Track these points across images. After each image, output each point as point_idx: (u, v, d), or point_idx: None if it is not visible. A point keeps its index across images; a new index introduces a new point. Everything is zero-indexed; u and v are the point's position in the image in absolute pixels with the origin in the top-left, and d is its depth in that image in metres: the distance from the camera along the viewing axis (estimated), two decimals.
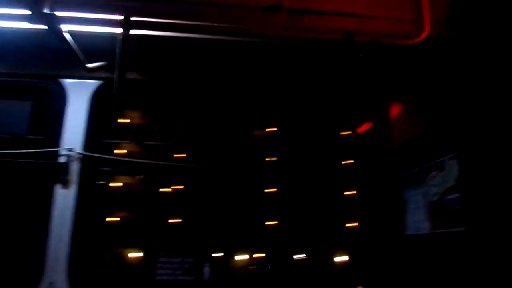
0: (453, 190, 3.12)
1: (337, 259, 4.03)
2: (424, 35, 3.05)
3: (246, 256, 3.91)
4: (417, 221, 3.55)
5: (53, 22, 2.72)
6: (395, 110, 4.07)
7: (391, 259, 3.80)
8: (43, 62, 3.76)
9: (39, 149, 3.70)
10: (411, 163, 3.69)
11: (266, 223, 4.02)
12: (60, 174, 3.62)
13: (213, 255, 3.86)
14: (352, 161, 4.20)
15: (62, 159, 3.66)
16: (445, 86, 3.28)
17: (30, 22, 2.87)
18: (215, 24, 2.87)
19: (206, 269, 3.79)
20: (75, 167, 3.65)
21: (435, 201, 3.33)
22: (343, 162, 4.20)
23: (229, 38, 3.01)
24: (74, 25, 2.87)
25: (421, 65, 3.39)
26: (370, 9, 3.07)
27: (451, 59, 3.14)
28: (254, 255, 3.93)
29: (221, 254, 3.88)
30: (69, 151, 3.67)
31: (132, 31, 2.90)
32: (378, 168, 4.07)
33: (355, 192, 4.18)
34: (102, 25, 2.92)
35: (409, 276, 3.59)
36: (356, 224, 4.10)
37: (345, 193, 4.20)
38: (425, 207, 3.46)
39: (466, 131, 3.06)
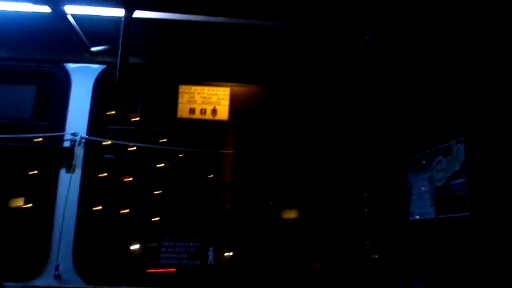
0: (458, 175, 3.09)
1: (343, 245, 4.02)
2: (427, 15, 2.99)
3: (251, 241, 3.92)
4: (422, 206, 3.53)
5: (56, 2, 2.69)
6: (400, 95, 4.03)
7: (396, 243, 3.80)
8: (46, 46, 3.75)
9: (43, 134, 3.71)
10: (416, 148, 3.67)
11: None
12: (64, 158, 3.63)
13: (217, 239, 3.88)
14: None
15: (66, 144, 3.66)
16: (451, 71, 3.24)
17: (33, 3, 2.85)
18: (220, 6, 2.83)
19: (211, 253, 3.81)
20: (79, 152, 3.66)
21: (440, 186, 3.31)
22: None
23: (235, 20, 2.98)
24: (77, 5, 2.83)
25: (428, 48, 3.34)
26: None
27: (458, 42, 3.10)
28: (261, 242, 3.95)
29: (227, 238, 3.90)
30: (73, 135, 3.67)
31: (137, 14, 2.87)
32: (384, 153, 4.05)
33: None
34: (105, 5, 2.89)
35: (414, 261, 3.59)
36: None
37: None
38: (430, 192, 3.44)
39: (472, 115, 3.02)
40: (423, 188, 3.54)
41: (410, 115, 3.86)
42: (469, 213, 2.94)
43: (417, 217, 3.61)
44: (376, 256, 3.93)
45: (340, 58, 3.52)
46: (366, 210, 4.08)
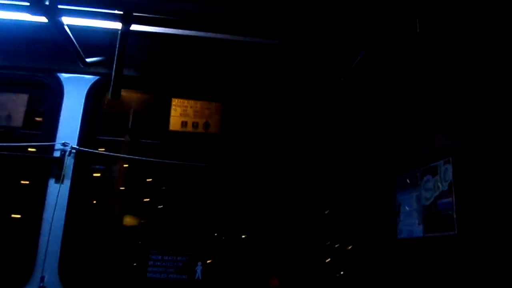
0: (446, 194, 3.14)
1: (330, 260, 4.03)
2: (419, 38, 3.08)
3: (240, 256, 3.90)
4: (410, 224, 3.57)
5: (53, 14, 2.70)
6: (390, 114, 4.10)
7: (383, 262, 3.82)
8: (40, 55, 3.75)
9: (34, 142, 3.69)
10: (404, 167, 3.72)
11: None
12: (54, 168, 3.60)
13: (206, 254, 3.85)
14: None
15: (56, 154, 3.64)
16: (440, 91, 3.32)
17: (30, 13, 2.86)
18: (216, 23, 2.87)
19: (199, 268, 3.78)
20: (69, 162, 3.63)
21: (428, 205, 3.36)
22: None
23: (229, 37, 3.03)
24: (74, 18, 2.86)
25: (417, 70, 3.42)
26: (367, 12, 3.09)
27: (447, 64, 3.18)
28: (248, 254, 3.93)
29: (215, 253, 3.88)
30: (64, 145, 3.65)
31: (132, 27, 2.90)
32: (372, 171, 4.10)
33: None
34: (103, 19, 2.92)
35: (402, 279, 3.61)
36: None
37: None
38: (418, 211, 3.49)
39: (460, 136, 3.09)
40: (411, 207, 3.58)
41: (399, 134, 3.92)
42: (455, 233, 2.98)
43: (405, 235, 3.64)
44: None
45: (332, 77, 3.58)
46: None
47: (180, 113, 4.08)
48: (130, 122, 4.09)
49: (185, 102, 4.09)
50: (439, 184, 3.23)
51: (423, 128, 3.56)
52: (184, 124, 4.08)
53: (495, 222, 2.83)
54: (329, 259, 4.05)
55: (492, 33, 3.06)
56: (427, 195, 3.38)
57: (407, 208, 3.66)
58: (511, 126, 2.98)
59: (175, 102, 4.08)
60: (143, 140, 4.07)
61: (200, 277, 3.77)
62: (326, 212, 4.17)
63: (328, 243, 4.11)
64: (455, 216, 3.01)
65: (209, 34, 3.00)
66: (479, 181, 2.93)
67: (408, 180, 3.67)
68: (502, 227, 2.82)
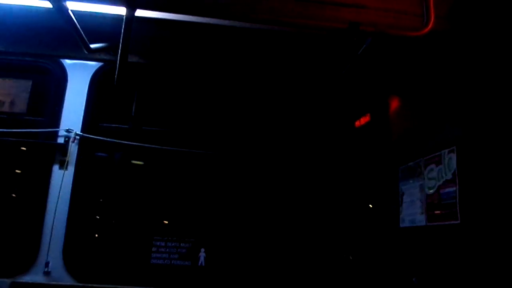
0: (449, 184, 3.15)
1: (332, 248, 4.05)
2: (428, 28, 3.06)
3: (243, 243, 3.92)
4: (413, 213, 3.58)
5: None
6: (394, 104, 4.09)
7: (386, 251, 3.84)
8: (43, 41, 3.73)
9: (38, 129, 3.69)
10: (408, 156, 3.72)
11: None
12: (57, 155, 3.61)
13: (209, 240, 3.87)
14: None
15: (60, 140, 3.65)
16: (445, 81, 3.30)
17: None
18: (223, 9, 2.84)
19: (202, 255, 3.81)
20: (73, 149, 3.64)
21: (431, 194, 3.36)
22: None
23: (234, 24, 3.00)
24: (79, 2, 2.83)
25: (423, 59, 3.40)
26: (376, 1, 3.07)
27: (452, 53, 3.16)
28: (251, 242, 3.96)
29: (218, 240, 3.90)
30: (68, 132, 3.65)
31: (138, 13, 2.87)
32: (376, 160, 4.10)
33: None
34: (107, 3, 2.89)
35: (403, 267, 3.63)
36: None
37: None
38: (421, 200, 3.49)
39: (464, 125, 3.08)
40: (414, 196, 3.58)
41: (403, 123, 3.92)
42: (459, 221, 2.99)
43: (408, 224, 3.65)
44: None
45: (338, 65, 3.56)
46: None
47: None
48: (133, 109, 4.07)
49: None
50: (443, 173, 3.23)
51: (427, 116, 3.55)
52: None
53: (498, 211, 2.84)
54: (332, 247, 4.07)
55: (497, 23, 3.03)
56: (430, 184, 3.38)
57: (410, 197, 3.66)
58: None
59: None
60: (146, 128, 4.06)
61: (203, 264, 3.79)
62: (329, 200, 4.18)
63: (332, 231, 4.12)
64: (458, 205, 3.02)
65: (214, 21, 2.97)
66: (483, 170, 2.93)
67: (411, 169, 3.67)
68: (505, 216, 2.83)
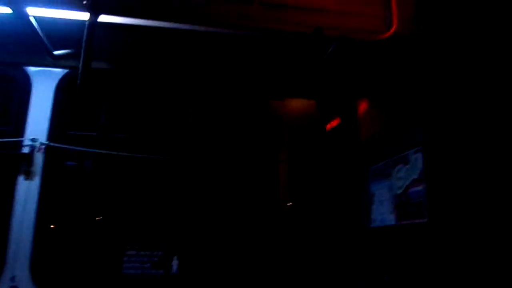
0: (417, 183, 3.21)
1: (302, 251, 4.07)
2: (391, 32, 3.13)
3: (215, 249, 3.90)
4: (383, 213, 3.64)
5: (18, 4, 2.62)
6: (363, 106, 4.16)
7: (357, 250, 3.88)
8: (6, 48, 3.61)
9: (1, 139, 3.58)
10: (378, 157, 3.78)
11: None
12: (23, 165, 3.51)
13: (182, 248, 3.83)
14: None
15: (25, 150, 3.55)
16: (410, 83, 3.38)
17: None
18: (188, 14, 2.83)
19: (175, 263, 3.76)
20: (38, 158, 3.55)
21: (399, 194, 3.42)
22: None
23: (200, 28, 3.00)
24: (40, 7, 2.77)
25: (388, 62, 3.47)
26: (340, 5, 3.12)
27: (416, 56, 3.24)
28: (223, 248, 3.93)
29: (191, 247, 3.86)
30: (33, 141, 3.56)
31: (101, 18, 2.83)
32: (347, 162, 4.16)
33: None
34: (69, 8, 2.84)
35: (375, 266, 3.68)
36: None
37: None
38: (390, 199, 3.55)
39: (430, 126, 3.16)
40: (384, 196, 3.64)
41: (372, 124, 3.98)
42: (426, 220, 3.05)
43: (379, 223, 3.71)
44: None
45: (303, 69, 3.59)
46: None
47: None
48: (102, 116, 4.00)
49: None
50: (410, 173, 3.30)
51: (395, 118, 3.62)
52: None
53: (464, 209, 2.92)
54: (304, 248, 4.09)
55: (462, 27, 3.13)
56: (399, 184, 3.44)
57: (380, 197, 3.72)
58: (480, 115, 3.07)
59: None
60: (116, 135, 3.99)
61: (176, 272, 3.74)
62: (301, 201, 4.20)
63: (303, 232, 4.14)
64: (425, 203, 3.09)
65: (181, 26, 2.96)
66: (448, 169, 3.01)
67: (381, 170, 3.73)
68: (471, 213, 2.91)
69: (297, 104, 4.30)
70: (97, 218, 3.80)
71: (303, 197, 4.24)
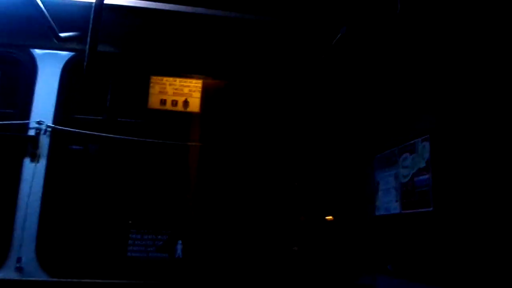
0: (423, 172, 3.20)
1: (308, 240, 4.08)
2: (399, 13, 3.06)
3: (220, 233, 3.91)
4: (388, 201, 3.63)
5: None
6: (370, 93, 4.12)
7: (362, 238, 3.89)
8: (12, 30, 3.60)
9: (8, 121, 3.58)
10: (383, 145, 3.76)
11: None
12: (29, 147, 3.52)
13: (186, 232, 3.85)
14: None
15: (31, 132, 3.55)
16: (418, 70, 3.34)
17: None
18: None
19: (179, 246, 3.78)
20: (44, 141, 3.55)
21: (405, 183, 3.41)
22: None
23: (207, 11, 2.96)
24: None
25: (396, 48, 3.43)
26: None
27: (423, 42, 3.19)
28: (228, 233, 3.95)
29: (195, 231, 3.88)
30: (39, 124, 3.56)
31: (107, 1, 2.81)
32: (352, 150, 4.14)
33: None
34: None
35: (379, 255, 3.69)
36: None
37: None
38: (395, 188, 3.54)
39: (438, 114, 3.13)
40: (389, 184, 3.63)
41: (379, 112, 3.95)
42: (432, 209, 3.04)
43: (383, 212, 3.70)
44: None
45: (313, 54, 3.55)
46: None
47: (159, 91, 4.01)
48: (107, 100, 3.99)
49: (163, 79, 4.02)
50: (417, 161, 3.28)
51: (402, 106, 3.59)
52: (163, 102, 4.02)
53: (470, 198, 2.90)
54: (309, 236, 4.10)
55: (471, 13, 3.07)
56: (404, 172, 3.43)
57: (385, 185, 3.71)
58: (487, 104, 3.03)
59: (153, 79, 4.02)
60: (120, 119, 3.98)
61: (180, 255, 3.77)
62: (307, 190, 4.20)
63: (309, 220, 4.15)
64: (431, 192, 3.07)
65: (187, 8, 2.92)
66: (455, 158, 2.99)
67: (386, 158, 3.71)
68: (476, 203, 2.89)
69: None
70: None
71: (307, 187, 4.23)
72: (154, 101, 4.01)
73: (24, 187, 3.46)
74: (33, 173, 3.48)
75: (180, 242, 3.79)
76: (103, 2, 2.68)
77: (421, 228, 3.18)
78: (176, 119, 4.05)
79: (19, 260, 3.34)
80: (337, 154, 4.20)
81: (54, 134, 3.58)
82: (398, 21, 2.95)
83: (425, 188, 3.15)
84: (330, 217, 4.14)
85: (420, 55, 3.29)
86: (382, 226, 3.72)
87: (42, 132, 3.56)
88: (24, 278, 3.32)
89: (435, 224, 3.02)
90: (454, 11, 3.09)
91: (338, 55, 3.33)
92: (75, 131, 3.67)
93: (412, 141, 3.36)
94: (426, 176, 3.15)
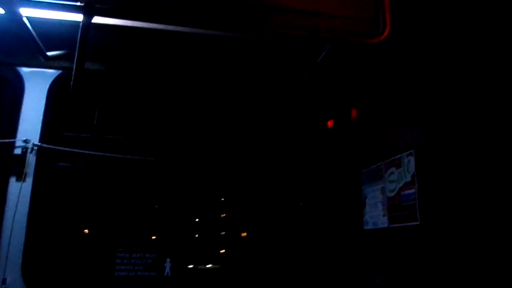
0: (409, 186, 3.23)
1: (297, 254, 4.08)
2: (384, 35, 3.15)
3: (208, 251, 3.90)
4: (375, 216, 3.66)
5: (11, 4, 2.60)
6: (357, 109, 4.17)
7: (350, 253, 3.90)
8: None
9: None
10: (370, 160, 3.81)
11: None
12: (15, 166, 3.48)
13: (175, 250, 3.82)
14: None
15: (17, 151, 3.52)
16: (403, 86, 3.40)
17: None
18: (182, 16, 2.84)
19: (168, 265, 3.75)
20: (31, 159, 3.52)
21: (392, 197, 3.45)
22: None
23: (194, 30, 3.00)
24: (33, 9, 2.75)
25: (381, 65, 3.49)
26: (333, 8, 3.14)
27: (409, 60, 3.27)
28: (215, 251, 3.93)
29: (183, 249, 3.85)
30: (25, 142, 3.53)
31: (96, 20, 2.82)
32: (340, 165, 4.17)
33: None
34: (63, 10, 2.82)
35: (367, 268, 3.70)
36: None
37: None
38: (382, 202, 3.57)
39: (422, 129, 3.18)
40: (376, 199, 3.67)
41: (365, 127, 4.00)
42: (418, 223, 3.07)
43: (371, 226, 3.73)
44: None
45: (297, 73, 3.61)
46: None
47: None
48: (95, 118, 3.98)
49: None
50: (403, 176, 3.32)
51: (387, 121, 3.64)
52: None
53: (456, 212, 2.94)
54: (297, 250, 4.09)
55: (453, 31, 3.16)
56: (391, 187, 3.46)
57: (372, 199, 3.74)
58: (471, 119, 3.10)
59: None
60: (108, 136, 3.98)
61: (169, 274, 3.73)
62: (293, 205, 4.21)
63: (297, 235, 4.15)
64: (418, 206, 3.11)
65: (173, 28, 2.96)
66: (440, 172, 3.03)
67: (373, 173, 3.75)
68: (463, 216, 2.93)
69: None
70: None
71: (297, 200, 4.25)
72: None
73: (10, 207, 3.40)
74: (19, 192, 3.44)
75: (168, 260, 3.76)
76: (90, 21, 2.70)
77: (409, 242, 3.21)
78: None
79: (4, 281, 3.27)
80: (324, 169, 4.23)
81: (40, 152, 3.55)
82: (382, 39, 3.02)
83: (411, 202, 3.18)
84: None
85: (404, 72, 3.36)
86: (370, 240, 3.74)
87: (29, 150, 3.52)
88: None
89: (423, 238, 3.05)
90: (437, 30, 3.18)
91: (323, 73, 3.39)
92: (62, 149, 3.65)
93: (397, 156, 3.40)
94: (412, 190, 3.19)
